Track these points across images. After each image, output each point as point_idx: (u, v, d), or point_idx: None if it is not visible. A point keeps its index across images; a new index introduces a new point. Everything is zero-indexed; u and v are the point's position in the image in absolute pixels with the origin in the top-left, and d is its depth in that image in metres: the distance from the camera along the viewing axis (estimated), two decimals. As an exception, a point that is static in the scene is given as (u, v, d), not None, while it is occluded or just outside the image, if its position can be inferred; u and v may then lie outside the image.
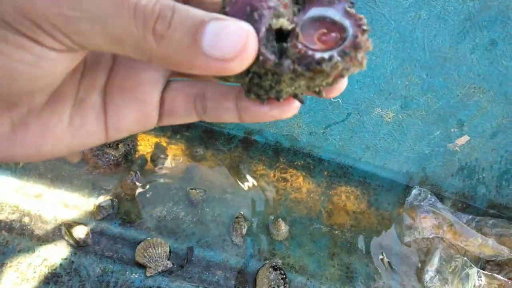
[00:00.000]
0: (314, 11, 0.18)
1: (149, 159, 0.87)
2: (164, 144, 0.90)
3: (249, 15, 0.16)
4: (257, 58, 0.16)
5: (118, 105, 0.20)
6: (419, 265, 0.86)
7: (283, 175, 0.93)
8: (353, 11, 0.18)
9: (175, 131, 0.93)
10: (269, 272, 0.74)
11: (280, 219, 0.83)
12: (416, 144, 0.90)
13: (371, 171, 0.98)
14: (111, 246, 0.74)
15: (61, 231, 0.74)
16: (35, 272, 0.68)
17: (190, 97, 0.20)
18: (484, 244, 0.85)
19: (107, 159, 0.83)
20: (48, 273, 0.69)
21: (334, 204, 0.92)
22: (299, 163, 0.96)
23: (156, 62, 0.15)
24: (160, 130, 0.92)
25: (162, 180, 0.85)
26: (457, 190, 0.97)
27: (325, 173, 0.96)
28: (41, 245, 0.72)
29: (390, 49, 0.74)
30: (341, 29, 0.18)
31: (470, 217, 0.93)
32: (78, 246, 0.72)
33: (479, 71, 0.75)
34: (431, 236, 0.86)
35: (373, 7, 0.69)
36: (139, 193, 0.82)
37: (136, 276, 0.72)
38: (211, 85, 0.20)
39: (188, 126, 0.94)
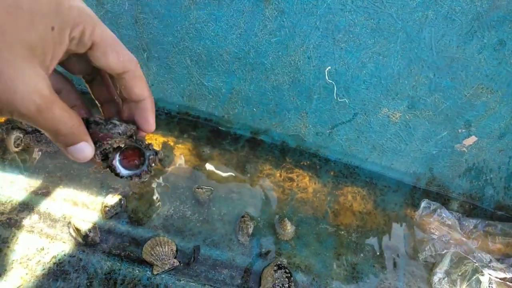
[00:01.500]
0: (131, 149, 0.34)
1: (156, 158, 0.87)
2: (171, 144, 0.91)
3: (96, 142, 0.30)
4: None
5: None
6: (427, 266, 0.86)
7: (289, 175, 0.93)
8: (153, 152, 0.34)
9: (182, 131, 0.93)
10: (274, 270, 0.74)
11: (286, 219, 0.83)
12: (423, 145, 0.90)
13: (378, 172, 0.98)
14: (119, 244, 0.75)
15: (70, 228, 0.75)
16: (44, 269, 0.69)
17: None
18: (490, 264, 0.84)
19: (115, 158, 0.84)
20: (57, 270, 0.70)
21: (340, 204, 0.92)
22: (305, 163, 0.96)
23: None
24: (167, 130, 0.93)
25: (169, 179, 0.85)
26: (465, 191, 0.97)
27: (332, 173, 0.96)
28: (50, 242, 0.72)
29: (397, 49, 0.74)
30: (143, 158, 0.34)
31: (478, 221, 0.92)
32: (86, 244, 0.73)
33: (487, 72, 0.74)
34: (443, 252, 0.86)
35: (380, 7, 0.69)
36: (147, 192, 0.83)
37: (143, 274, 0.72)
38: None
39: (195, 126, 0.95)
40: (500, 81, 0.75)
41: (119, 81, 0.29)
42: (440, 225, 0.89)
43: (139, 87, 0.29)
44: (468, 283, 0.78)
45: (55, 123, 0.24)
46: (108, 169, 0.32)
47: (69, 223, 0.75)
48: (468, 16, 0.68)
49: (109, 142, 0.30)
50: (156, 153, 0.33)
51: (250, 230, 0.81)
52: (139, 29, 0.80)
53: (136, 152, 0.33)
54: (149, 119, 0.31)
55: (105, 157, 0.31)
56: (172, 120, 0.95)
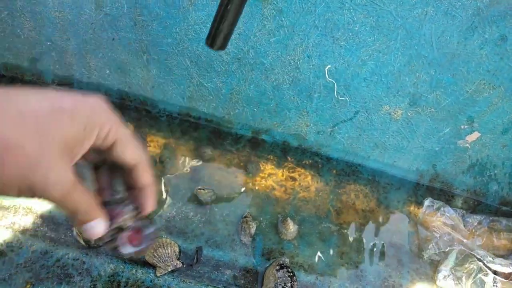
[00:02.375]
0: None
1: (158, 159, 0.88)
2: (173, 145, 0.91)
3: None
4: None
5: None
6: (431, 263, 0.86)
7: (292, 174, 0.93)
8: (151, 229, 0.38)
9: (183, 132, 0.93)
10: (276, 270, 0.74)
11: (288, 218, 0.83)
12: (425, 142, 0.89)
13: (380, 169, 0.97)
14: (122, 246, 0.75)
15: (73, 232, 0.75)
16: (48, 272, 0.70)
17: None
18: (494, 262, 0.83)
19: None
20: (61, 273, 0.70)
21: (343, 202, 0.92)
22: (307, 162, 0.95)
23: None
24: (168, 131, 0.93)
25: (171, 181, 0.85)
26: (469, 188, 0.96)
27: (334, 171, 0.95)
28: (53, 246, 0.73)
29: (397, 46, 0.74)
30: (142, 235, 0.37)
31: (483, 217, 0.91)
32: (90, 247, 0.74)
33: (488, 67, 0.73)
34: (447, 250, 0.85)
35: (379, 5, 0.68)
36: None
37: (147, 275, 0.73)
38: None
39: (196, 127, 0.95)
40: (502, 76, 0.74)
41: (130, 171, 0.34)
42: (444, 224, 0.88)
43: (146, 177, 0.34)
44: (473, 281, 0.78)
45: (74, 204, 0.29)
46: (110, 248, 0.36)
47: (72, 226, 0.75)
48: (468, 12, 0.67)
49: (121, 220, 0.34)
50: (155, 229, 0.38)
51: (253, 230, 0.81)
52: (138, 32, 0.80)
53: (138, 230, 0.37)
54: (152, 203, 0.36)
55: (112, 238, 0.35)
56: (173, 121, 0.95)
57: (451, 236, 0.86)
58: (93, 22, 0.79)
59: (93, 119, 0.28)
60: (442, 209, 0.90)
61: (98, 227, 0.32)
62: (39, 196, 0.27)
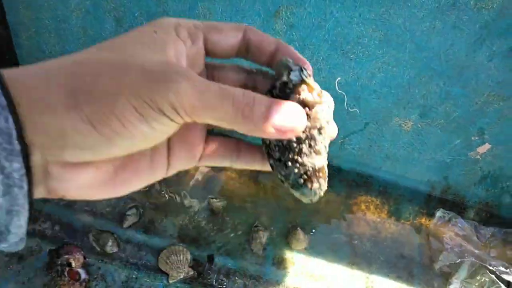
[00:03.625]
0: None
1: (172, 169, 0.90)
2: (186, 155, 0.93)
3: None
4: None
5: (177, 147, 0.27)
6: (443, 276, 0.85)
7: (302, 185, 0.94)
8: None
9: (196, 143, 0.96)
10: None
11: (299, 228, 0.84)
12: (436, 153, 0.90)
13: (392, 181, 0.98)
14: (136, 253, 0.77)
15: (89, 238, 0.78)
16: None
17: (227, 148, 0.28)
18: (504, 272, 0.82)
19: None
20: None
21: (353, 213, 0.92)
22: (318, 173, 0.96)
23: (238, 130, 0.23)
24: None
25: (184, 190, 0.88)
26: (481, 200, 0.95)
27: (345, 182, 0.96)
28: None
29: (406, 59, 0.75)
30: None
31: (496, 229, 0.91)
32: (105, 253, 0.76)
33: (498, 79, 0.74)
34: (458, 261, 0.84)
35: (387, 19, 0.70)
36: (163, 202, 0.85)
37: (159, 282, 0.74)
38: (244, 143, 0.29)
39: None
40: (512, 88, 0.75)
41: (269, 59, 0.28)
42: (456, 235, 0.88)
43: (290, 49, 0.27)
44: (485, 293, 0.77)
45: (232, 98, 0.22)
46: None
47: (89, 232, 0.78)
48: (476, 25, 0.68)
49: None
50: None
51: (264, 240, 0.82)
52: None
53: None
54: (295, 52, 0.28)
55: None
56: (187, 132, 0.97)
57: (464, 248, 0.85)
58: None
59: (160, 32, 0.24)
60: (454, 220, 0.89)
61: (294, 112, 0.23)
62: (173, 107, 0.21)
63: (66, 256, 0.72)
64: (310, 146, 0.24)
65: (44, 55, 0.88)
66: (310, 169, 0.25)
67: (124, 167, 0.24)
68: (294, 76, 0.25)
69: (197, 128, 0.27)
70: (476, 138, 0.84)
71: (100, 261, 0.75)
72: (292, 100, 0.24)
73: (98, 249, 0.76)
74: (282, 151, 0.25)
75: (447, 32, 0.70)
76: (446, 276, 0.84)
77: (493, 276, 0.80)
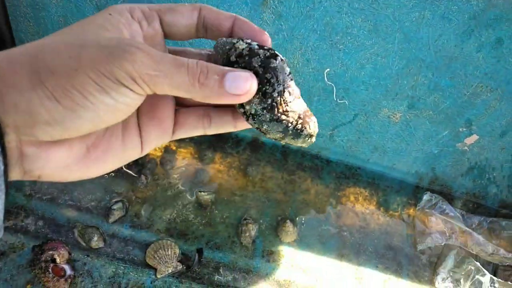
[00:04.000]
0: None
1: (159, 162, 0.88)
2: (174, 148, 0.92)
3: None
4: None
5: (146, 124, 0.27)
6: (430, 266, 0.86)
7: (291, 177, 0.94)
8: None
9: (184, 135, 0.94)
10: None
11: (288, 220, 0.84)
12: (424, 144, 0.90)
13: (380, 172, 0.98)
14: (123, 248, 0.76)
15: (74, 233, 0.76)
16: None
17: (197, 117, 0.29)
18: (495, 253, 0.84)
19: (118, 163, 0.85)
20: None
21: (342, 205, 0.92)
22: (307, 165, 0.96)
23: (196, 99, 0.24)
24: (169, 134, 0.93)
25: (171, 183, 0.86)
26: (468, 190, 0.96)
27: (333, 174, 0.96)
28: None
29: (395, 50, 0.74)
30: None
31: (482, 218, 0.92)
32: (91, 248, 0.74)
33: (486, 70, 0.74)
34: (442, 244, 0.85)
35: (376, 9, 0.69)
36: (149, 196, 0.83)
37: (147, 277, 0.73)
38: (211, 108, 0.29)
39: (196, 130, 0.95)
40: (499, 79, 0.75)
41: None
42: (443, 217, 0.89)
43: (248, 23, 0.28)
44: (471, 282, 0.78)
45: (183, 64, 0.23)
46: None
47: (74, 228, 0.76)
48: (465, 16, 0.68)
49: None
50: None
51: (253, 233, 0.81)
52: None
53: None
54: (256, 28, 0.28)
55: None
56: (174, 124, 0.96)
57: (449, 229, 0.86)
58: (96, 26, 0.81)
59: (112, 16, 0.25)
60: (441, 202, 0.90)
61: (244, 77, 0.24)
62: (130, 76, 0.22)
63: (50, 252, 0.70)
64: (289, 93, 0.25)
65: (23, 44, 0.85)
66: (302, 112, 0.26)
67: (96, 145, 0.25)
68: (241, 45, 0.26)
69: (164, 102, 0.28)
70: (464, 129, 0.85)
71: (85, 256, 0.74)
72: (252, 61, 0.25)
73: (84, 244, 0.74)
74: (270, 110, 0.25)
75: (436, 22, 0.69)
76: (434, 267, 0.85)
77: (478, 263, 0.81)
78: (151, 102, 0.28)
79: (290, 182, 0.93)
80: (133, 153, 0.27)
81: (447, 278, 0.81)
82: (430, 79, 0.78)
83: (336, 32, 0.74)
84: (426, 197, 0.93)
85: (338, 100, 0.84)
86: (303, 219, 0.88)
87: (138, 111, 0.28)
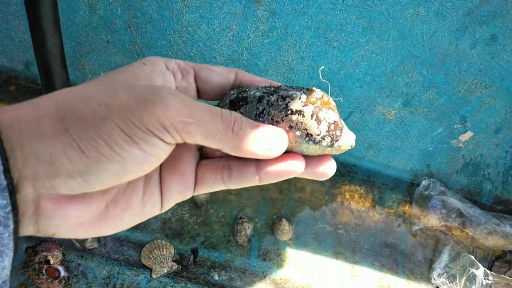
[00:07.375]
0: None
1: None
2: (168, 147, 0.91)
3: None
4: None
5: (168, 178, 0.26)
6: (426, 262, 0.86)
7: (287, 175, 0.93)
8: None
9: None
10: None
11: (284, 219, 0.83)
12: (419, 141, 0.90)
13: (375, 169, 0.98)
14: (117, 248, 0.75)
15: (68, 234, 0.75)
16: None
17: (217, 170, 0.27)
18: (493, 232, 0.84)
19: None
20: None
21: (338, 203, 0.92)
22: (302, 163, 0.96)
23: (225, 149, 0.23)
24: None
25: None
26: (463, 187, 0.97)
27: (329, 172, 0.96)
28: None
29: (389, 47, 0.74)
30: None
31: (478, 211, 0.92)
32: (85, 249, 0.73)
33: (480, 67, 0.74)
34: (440, 225, 0.86)
35: (370, 6, 0.69)
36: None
37: (142, 277, 0.72)
38: (234, 158, 0.27)
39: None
40: (494, 76, 0.75)
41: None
42: (439, 202, 0.89)
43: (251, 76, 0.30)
44: (466, 277, 0.78)
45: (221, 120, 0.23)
46: None
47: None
48: (459, 12, 0.68)
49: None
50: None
51: (248, 231, 0.81)
52: (132, 34, 0.80)
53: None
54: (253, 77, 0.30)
55: None
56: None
57: (450, 207, 0.87)
58: (87, 24, 0.80)
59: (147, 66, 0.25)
60: (439, 185, 0.91)
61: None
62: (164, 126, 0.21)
63: (44, 253, 0.70)
64: (317, 118, 0.26)
65: (14, 42, 0.84)
66: (332, 128, 0.27)
67: (116, 202, 0.24)
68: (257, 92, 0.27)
69: (190, 155, 0.27)
70: (459, 126, 0.85)
71: (80, 257, 0.73)
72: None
73: (78, 245, 0.74)
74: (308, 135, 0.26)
75: (430, 19, 0.69)
76: (429, 263, 0.85)
77: (472, 257, 0.81)
78: (174, 155, 0.26)
79: (286, 181, 0.93)
80: (152, 211, 0.26)
81: (443, 273, 0.81)
82: (424, 76, 0.78)
83: (331, 29, 0.73)
84: (424, 182, 0.93)
85: (333, 97, 0.84)
86: (299, 217, 0.87)
87: (160, 164, 0.26)
